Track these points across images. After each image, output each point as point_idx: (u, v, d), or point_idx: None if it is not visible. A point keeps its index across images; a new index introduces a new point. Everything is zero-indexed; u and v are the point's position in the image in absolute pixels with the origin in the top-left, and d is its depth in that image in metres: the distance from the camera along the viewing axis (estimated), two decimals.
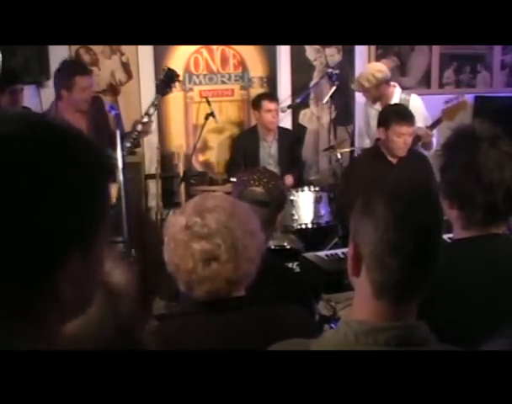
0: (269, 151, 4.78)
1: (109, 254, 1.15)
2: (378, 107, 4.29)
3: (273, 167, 4.57)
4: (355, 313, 1.15)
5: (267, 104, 4.65)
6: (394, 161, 3.60)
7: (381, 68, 4.25)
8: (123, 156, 2.68)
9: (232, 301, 1.48)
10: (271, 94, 4.91)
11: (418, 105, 4.15)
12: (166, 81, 3.44)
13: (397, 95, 4.25)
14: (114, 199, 3.06)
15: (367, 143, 4.62)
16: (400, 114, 3.52)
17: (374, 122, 4.30)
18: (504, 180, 1.49)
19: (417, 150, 3.80)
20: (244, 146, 4.76)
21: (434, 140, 3.95)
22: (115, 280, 1.16)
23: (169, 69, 3.50)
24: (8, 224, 0.65)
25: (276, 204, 2.02)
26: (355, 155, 4.86)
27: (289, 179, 4.53)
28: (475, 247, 1.55)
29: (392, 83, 4.30)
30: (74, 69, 3.57)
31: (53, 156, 0.68)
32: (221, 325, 1.46)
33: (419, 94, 4.44)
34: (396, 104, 3.90)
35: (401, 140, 3.49)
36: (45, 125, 0.72)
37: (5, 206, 0.64)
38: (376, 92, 4.22)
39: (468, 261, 1.50)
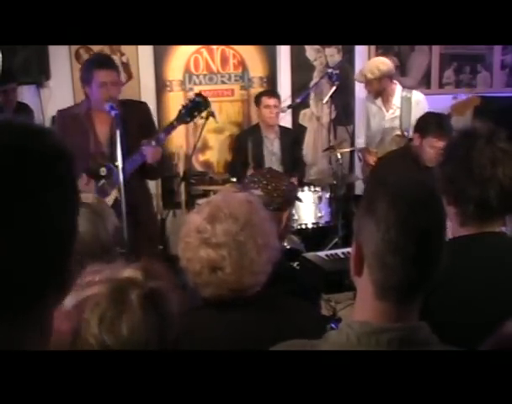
0: (271, 150, 4.80)
1: (163, 279, 1.16)
2: (380, 103, 4.33)
3: (276, 165, 4.58)
4: (357, 314, 1.15)
5: (265, 100, 4.73)
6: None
7: (385, 62, 4.28)
8: (123, 157, 2.67)
9: (242, 298, 1.47)
10: (272, 91, 4.96)
11: (420, 101, 4.18)
12: (191, 108, 3.18)
13: (398, 92, 4.28)
14: (111, 201, 3.06)
15: (360, 143, 4.64)
16: (440, 127, 3.31)
17: (374, 120, 4.33)
18: (497, 176, 1.49)
19: None
20: (247, 143, 4.76)
21: None
22: (170, 309, 1.16)
23: (198, 95, 3.25)
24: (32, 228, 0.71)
25: (277, 206, 2.02)
26: (355, 155, 4.86)
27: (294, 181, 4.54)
28: (470, 245, 1.55)
29: (393, 80, 4.33)
30: (93, 62, 3.23)
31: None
32: (233, 319, 1.46)
33: None
34: (438, 115, 3.56)
35: (433, 151, 3.36)
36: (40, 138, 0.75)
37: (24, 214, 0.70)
38: (379, 85, 4.24)
39: (463, 259, 1.50)
